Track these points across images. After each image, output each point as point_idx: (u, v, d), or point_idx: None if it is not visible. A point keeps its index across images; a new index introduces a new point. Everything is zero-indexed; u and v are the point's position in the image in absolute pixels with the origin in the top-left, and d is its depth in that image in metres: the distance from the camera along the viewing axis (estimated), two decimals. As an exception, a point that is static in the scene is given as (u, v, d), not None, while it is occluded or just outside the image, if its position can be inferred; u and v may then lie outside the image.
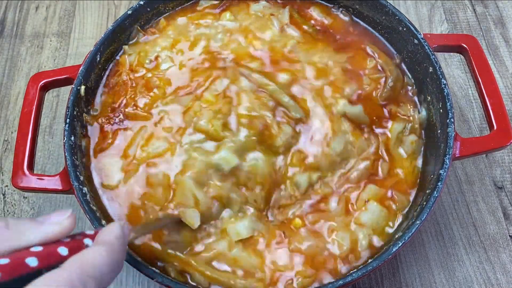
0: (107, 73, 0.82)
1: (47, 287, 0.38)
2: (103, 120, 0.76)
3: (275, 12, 0.86)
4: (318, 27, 0.85)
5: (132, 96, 0.78)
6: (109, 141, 0.75)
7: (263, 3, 0.87)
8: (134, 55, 0.82)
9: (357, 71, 0.78)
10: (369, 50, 0.82)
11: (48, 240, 0.43)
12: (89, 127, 0.77)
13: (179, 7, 0.88)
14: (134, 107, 0.77)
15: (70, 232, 0.44)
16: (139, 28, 0.85)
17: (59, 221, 0.44)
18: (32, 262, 0.40)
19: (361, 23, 0.86)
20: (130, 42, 0.84)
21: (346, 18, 0.86)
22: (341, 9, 0.87)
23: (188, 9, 0.88)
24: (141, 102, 0.77)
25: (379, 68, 0.79)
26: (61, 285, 0.38)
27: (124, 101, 0.78)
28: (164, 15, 0.88)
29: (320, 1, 0.88)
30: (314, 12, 0.87)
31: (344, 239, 0.68)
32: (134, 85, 0.79)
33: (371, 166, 0.73)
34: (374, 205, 0.70)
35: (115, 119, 0.76)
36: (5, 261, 0.39)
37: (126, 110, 0.77)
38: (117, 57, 0.83)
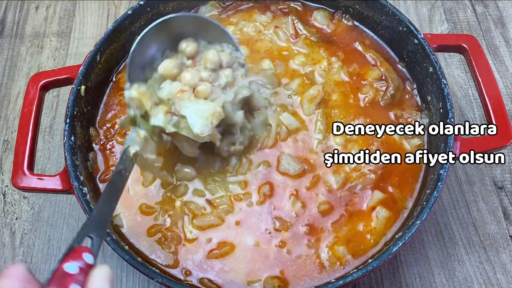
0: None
1: None
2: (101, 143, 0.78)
3: (279, 24, 0.86)
4: (321, 35, 0.86)
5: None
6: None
7: (268, 15, 0.88)
8: None
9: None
10: (370, 58, 0.83)
11: None
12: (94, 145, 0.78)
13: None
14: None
15: None
16: None
17: None
18: None
19: (364, 28, 0.86)
20: None
21: (349, 23, 0.86)
22: (344, 14, 0.87)
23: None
24: None
25: (382, 77, 0.81)
26: None
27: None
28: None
29: (322, 6, 0.88)
30: (319, 16, 0.87)
31: None
32: None
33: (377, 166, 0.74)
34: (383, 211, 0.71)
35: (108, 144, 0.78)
36: None
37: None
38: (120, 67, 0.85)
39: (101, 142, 0.78)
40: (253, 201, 0.72)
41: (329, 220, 0.71)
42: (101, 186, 0.75)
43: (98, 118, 0.80)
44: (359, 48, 0.84)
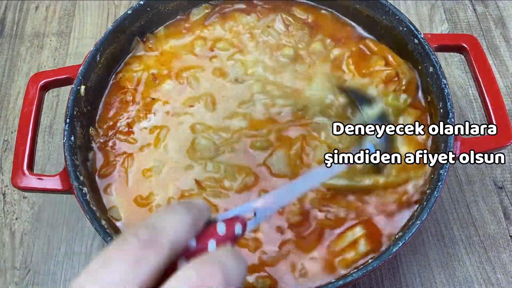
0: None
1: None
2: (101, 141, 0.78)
3: (270, 23, 0.85)
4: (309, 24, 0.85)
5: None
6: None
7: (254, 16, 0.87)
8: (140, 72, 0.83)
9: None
10: (366, 49, 0.83)
11: None
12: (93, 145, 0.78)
13: (177, 17, 0.89)
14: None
15: None
16: (138, 39, 0.85)
17: None
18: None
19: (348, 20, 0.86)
20: (132, 55, 0.85)
21: (327, 13, 0.86)
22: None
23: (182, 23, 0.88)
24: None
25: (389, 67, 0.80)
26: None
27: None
28: (164, 25, 0.88)
29: (306, 1, 0.87)
30: (296, 12, 0.86)
31: None
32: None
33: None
34: None
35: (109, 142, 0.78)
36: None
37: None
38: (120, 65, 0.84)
39: (101, 142, 0.78)
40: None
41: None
42: (99, 183, 0.74)
43: (98, 118, 0.80)
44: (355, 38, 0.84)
